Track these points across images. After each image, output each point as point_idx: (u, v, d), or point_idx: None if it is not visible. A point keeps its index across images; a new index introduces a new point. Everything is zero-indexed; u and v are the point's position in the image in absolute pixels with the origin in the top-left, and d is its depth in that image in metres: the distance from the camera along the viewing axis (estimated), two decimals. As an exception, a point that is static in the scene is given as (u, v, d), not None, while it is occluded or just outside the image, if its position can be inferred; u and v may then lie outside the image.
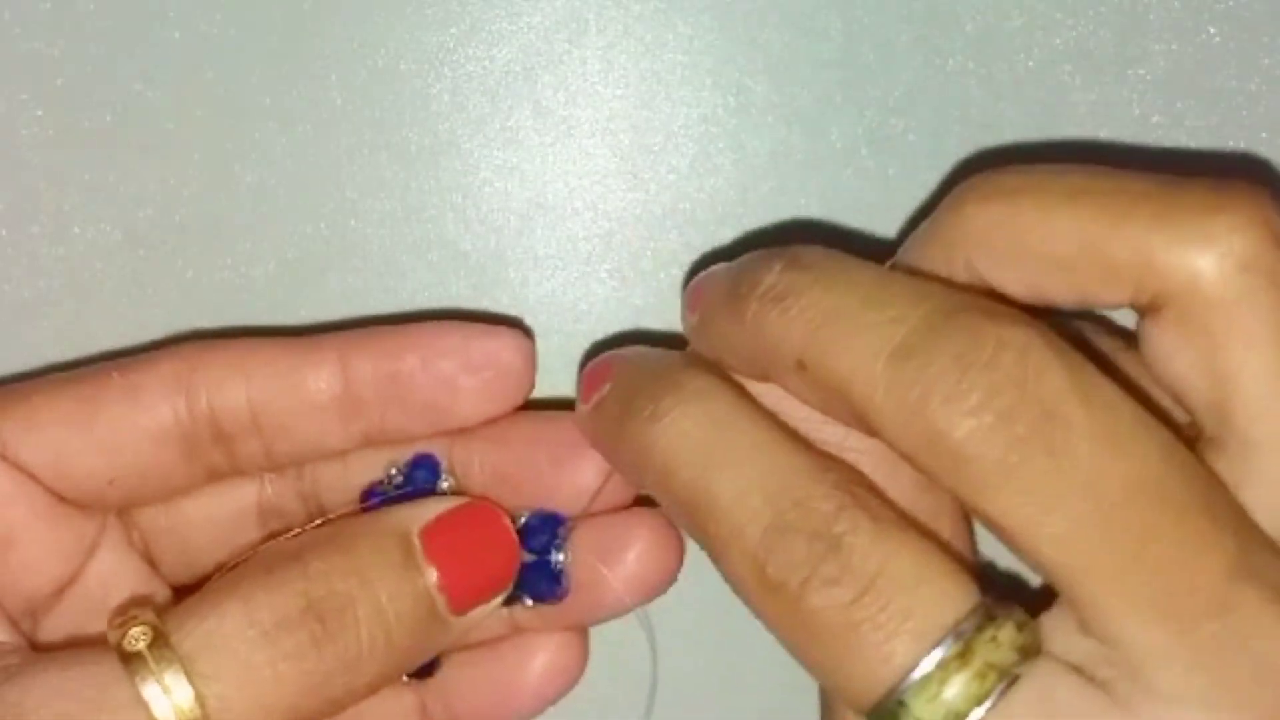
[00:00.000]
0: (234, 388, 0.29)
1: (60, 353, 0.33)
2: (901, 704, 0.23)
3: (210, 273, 0.33)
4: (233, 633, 0.25)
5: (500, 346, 0.30)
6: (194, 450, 0.30)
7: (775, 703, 0.35)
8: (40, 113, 0.33)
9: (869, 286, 0.25)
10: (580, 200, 0.34)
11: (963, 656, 0.23)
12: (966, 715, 0.23)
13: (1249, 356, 0.24)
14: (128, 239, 0.33)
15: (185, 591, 0.31)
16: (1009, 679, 0.23)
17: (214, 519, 0.31)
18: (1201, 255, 0.24)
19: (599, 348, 0.34)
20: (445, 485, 0.30)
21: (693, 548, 0.31)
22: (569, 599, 0.30)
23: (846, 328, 0.25)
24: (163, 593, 0.31)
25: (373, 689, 0.27)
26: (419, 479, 0.30)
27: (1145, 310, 0.25)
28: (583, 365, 0.33)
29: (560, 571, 0.30)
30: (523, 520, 0.30)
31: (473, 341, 0.30)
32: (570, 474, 0.30)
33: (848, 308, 0.25)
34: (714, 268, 0.29)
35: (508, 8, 0.33)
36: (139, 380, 0.29)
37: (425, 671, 0.30)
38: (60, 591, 0.30)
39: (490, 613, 0.29)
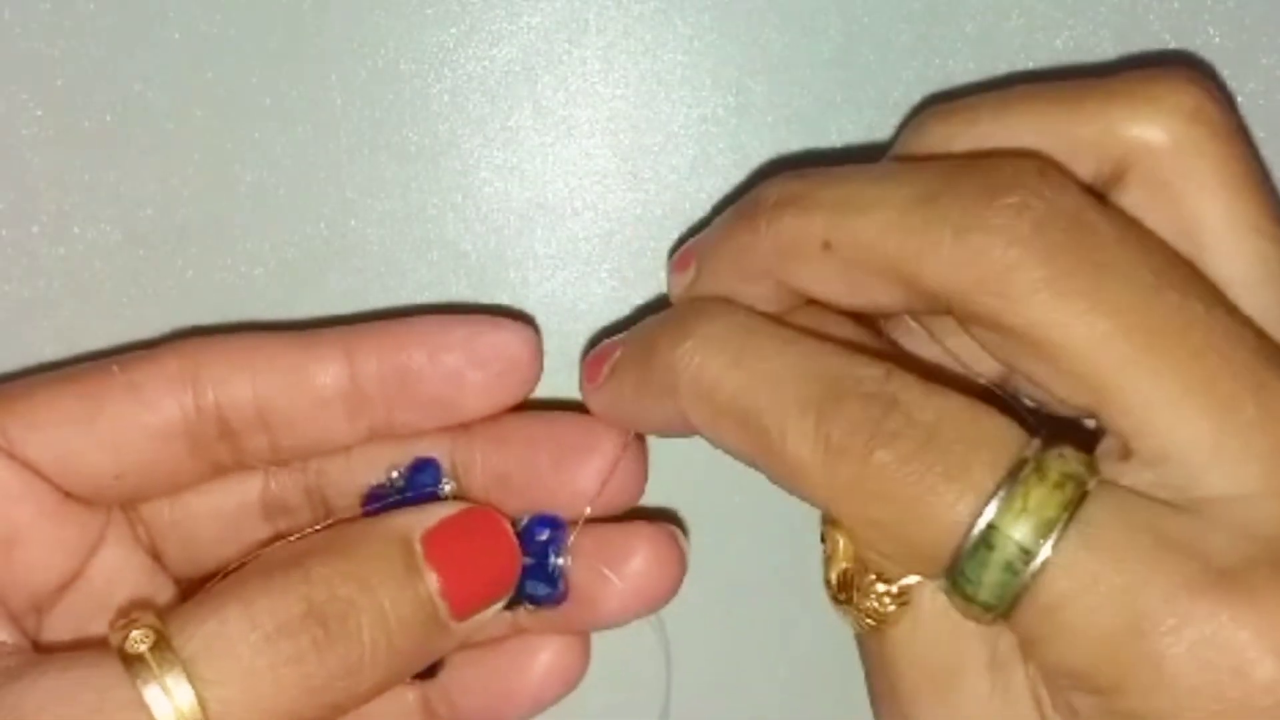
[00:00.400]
0: (239, 383, 0.29)
1: (60, 353, 0.33)
2: (992, 527, 0.23)
3: (210, 273, 0.33)
4: (235, 636, 0.25)
5: (507, 339, 0.30)
6: (199, 446, 0.30)
7: (788, 705, 0.35)
8: (40, 113, 0.33)
9: (874, 172, 0.27)
10: (580, 200, 0.34)
11: (1038, 472, 0.24)
12: (1056, 523, 0.23)
13: (1209, 200, 0.25)
14: (128, 239, 0.33)
15: (189, 586, 0.31)
16: (1082, 491, 0.24)
17: (219, 513, 0.31)
18: (1154, 116, 0.26)
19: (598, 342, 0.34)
20: (447, 489, 0.30)
21: (696, 556, 0.31)
22: (568, 605, 0.30)
23: (866, 201, 0.26)
24: (167, 588, 0.31)
25: (374, 694, 0.27)
26: (420, 483, 0.30)
27: (1109, 184, 0.26)
28: (583, 359, 0.32)
29: (558, 575, 0.30)
30: (522, 523, 0.30)
31: (479, 335, 0.30)
32: (570, 475, 0.30)
33: (861, 189, 0.26)
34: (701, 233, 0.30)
35: (508, 8, 0.33)
36: (142, 377, 0.29)
37: (428, 673, 0.30)
38: (65, 587, 0.30)
39: (491, 618, 0.29)
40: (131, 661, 0.25)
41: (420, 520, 0.28)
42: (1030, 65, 0.33)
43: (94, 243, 0.33)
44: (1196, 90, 0.26)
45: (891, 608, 0.26)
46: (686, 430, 0.28)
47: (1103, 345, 0.24)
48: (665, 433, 0.29)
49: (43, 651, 0.29)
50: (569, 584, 0.30)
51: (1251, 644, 0.22)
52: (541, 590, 0.30)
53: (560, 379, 0.33)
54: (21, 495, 0.29)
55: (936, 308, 0.26)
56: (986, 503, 0.23)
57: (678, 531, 0.31)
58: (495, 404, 0.30)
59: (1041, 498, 0.23)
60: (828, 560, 0.27)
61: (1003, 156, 0.26)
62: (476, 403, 0.30)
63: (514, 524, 0.30)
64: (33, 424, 0.29)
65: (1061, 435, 0.25)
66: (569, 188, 0.34)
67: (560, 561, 0.30)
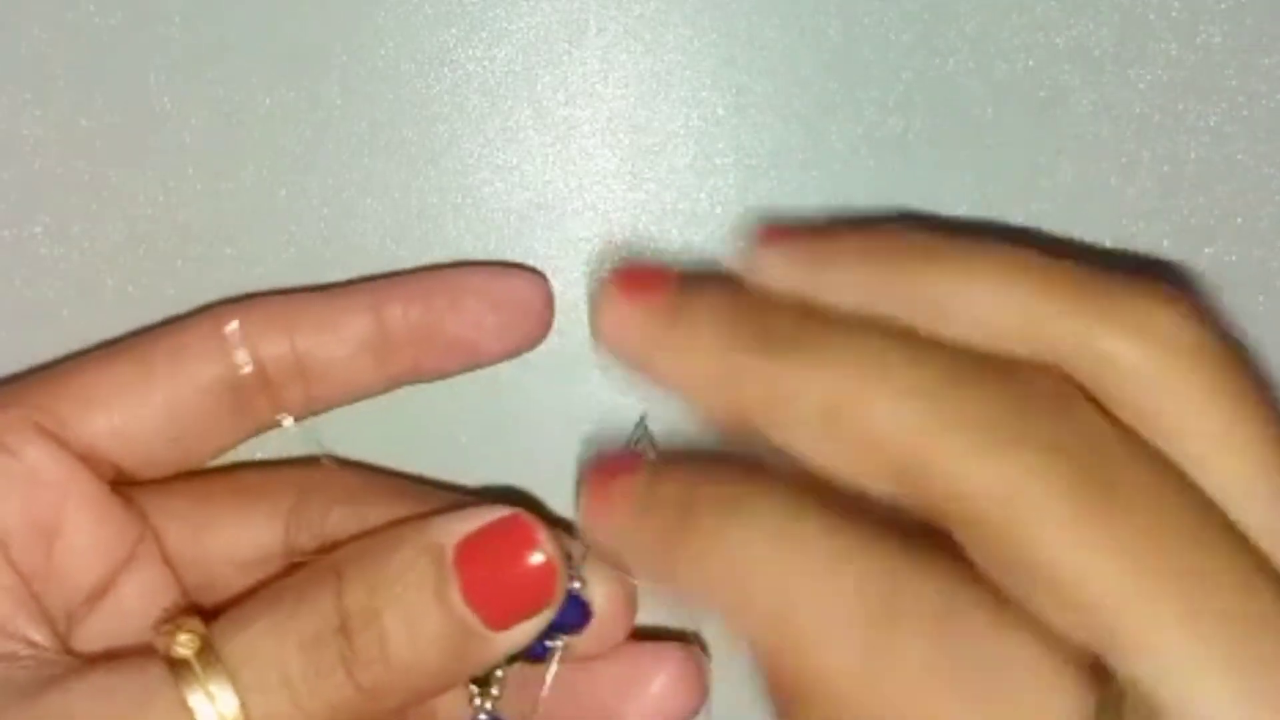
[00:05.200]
0: (277, 338, 0.31)
1: (60, 352, 0.33)
2: None
3: (210, 273, 0.33)
4: (274, 645, 0.26)
5: (521, 285, 0.32)
6: (243, 400, 0.31)
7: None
8: (40, 113, 0.33)
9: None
10: (580, 200, 0.34)
11: None
12: None
13: (1195, 415, 0.24)
14: (128, 239, 0.33)
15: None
16: None
17: (239, 556, 0.31)
18: (1122, 338, 0.24)
19: (597, 346, 0.34)
20: (576, 587, 0.29)
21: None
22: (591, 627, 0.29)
23: (881, 369, 0.24)
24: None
25: (408, 705, 0.27)
26: (566, 615, 0.29)
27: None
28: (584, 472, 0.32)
29: (584, 600, 0.29)
30: None
31: (495, 280, 0.32)
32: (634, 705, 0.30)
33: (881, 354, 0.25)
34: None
35: (508, 8, 0.33)
36: (185, 339, 0.30)
37: (484, 680, 0.30)
38: (97, 597, 0.30)
39: (538, 628, 0.28)
40: (176, 666, 0.25)
41: (454, 529, 0.27)
42: (1030, 65, 0.33)
43: (94, 243, 0.33)
44: (1170, 313, 0.24)
45: None
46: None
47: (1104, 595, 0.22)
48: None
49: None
50: (590, 611, 0.29)
51: None
52: (569, 617, 0.29)
53: (560, 380, 0.33)
54: (66, 485, 0.29)
55: (932, 516, 0.24)
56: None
57: (700, 654, 0.31)
58: (512, 347, 0.32)
59: None
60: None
61: (1034, 370, 0.24)
62: (495, 346, 0.31)
63: None
64: (88, 400, 0.29)
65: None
66: (569, 188, 0.34)
67: (577, 586, 0.29)
